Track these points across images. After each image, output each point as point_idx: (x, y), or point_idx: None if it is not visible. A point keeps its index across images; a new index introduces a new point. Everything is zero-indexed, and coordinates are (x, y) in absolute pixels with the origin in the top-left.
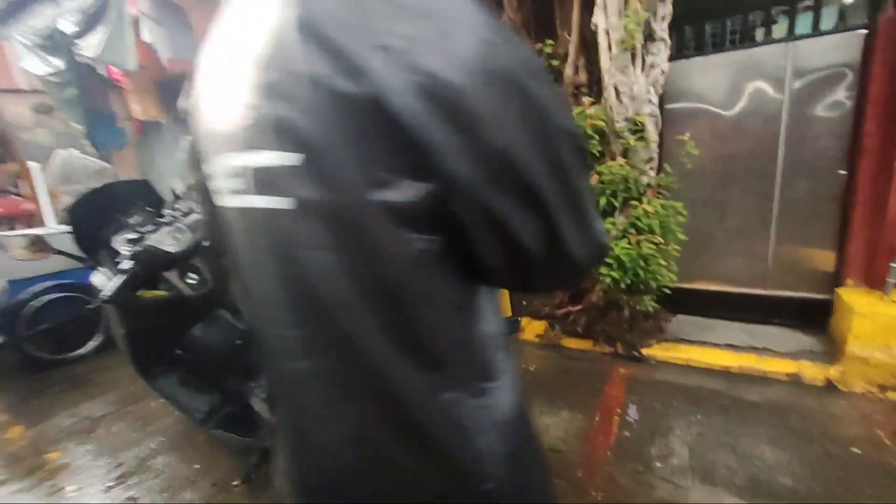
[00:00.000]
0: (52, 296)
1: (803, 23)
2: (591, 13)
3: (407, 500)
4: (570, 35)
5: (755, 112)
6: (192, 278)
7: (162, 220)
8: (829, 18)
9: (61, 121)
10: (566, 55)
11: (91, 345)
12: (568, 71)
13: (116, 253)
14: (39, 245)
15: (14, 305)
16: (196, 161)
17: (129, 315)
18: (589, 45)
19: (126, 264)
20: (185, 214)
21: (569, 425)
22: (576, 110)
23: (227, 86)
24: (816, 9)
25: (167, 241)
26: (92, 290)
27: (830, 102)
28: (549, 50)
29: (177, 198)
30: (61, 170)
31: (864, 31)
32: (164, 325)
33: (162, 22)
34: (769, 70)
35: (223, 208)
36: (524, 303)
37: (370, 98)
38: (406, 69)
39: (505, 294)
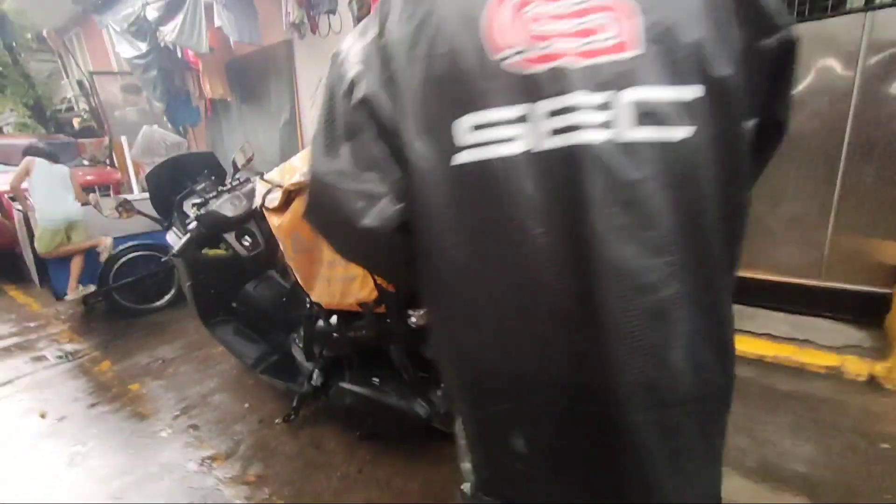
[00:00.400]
0: (136, 253)
1: None
2: None
3: (706, 393)
4: None
5: (822, 90)
6: (247, 241)
7: (224, 188)
8: None
9: (145, 99)
10: None
11: (166, 298)
12: None
13: (186, 216)
14: (126, 207)
15: (107, 260)
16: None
17: (194, 269)
18: None
19: (192, 225)
20: (243, 184)
21: None
22: None
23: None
24: None
25: (226, 206)
26: (167, 249)
27: None
28: None
29: (237, 169)
30: (144, 143)
31: None
32: (222, 280)
33: (231, 8)
34: (841, 44)
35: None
36: None
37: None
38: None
39: None
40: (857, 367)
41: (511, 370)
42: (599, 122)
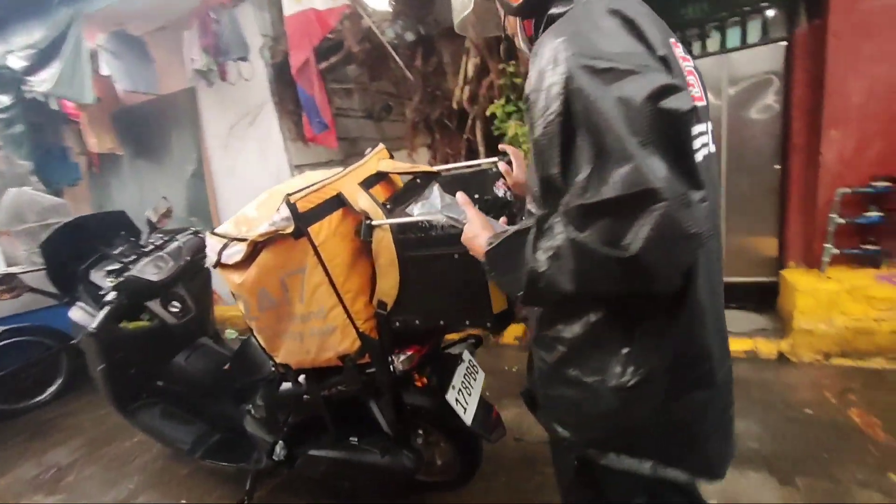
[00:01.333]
0: (8, 340)
1: (733, 36)
2: None
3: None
4: None
5: None
6: (175, 306)
7: (143, 250)
8: (754, 32)
9: (5, 158)
10: (528, 73)
11: (50, 390)
12: None
13: (97, 287)
14: (9, 283)
15: None
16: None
17: (109, 348)
18: None
19: (111, 296)
20: (166, 242)
21: None
22: None
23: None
24: (743, 24)
25: (150, 269)
26: (55, 331)
27: (762, 106)
28: (511, 70)
29: (153, 227)
30: (12, 208)
31: (785, 43)
32: (146, 356)
33: (121, 56)
34: (708, 79)
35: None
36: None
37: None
38: None
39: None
40: (767, 347)
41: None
42: (708, 140)
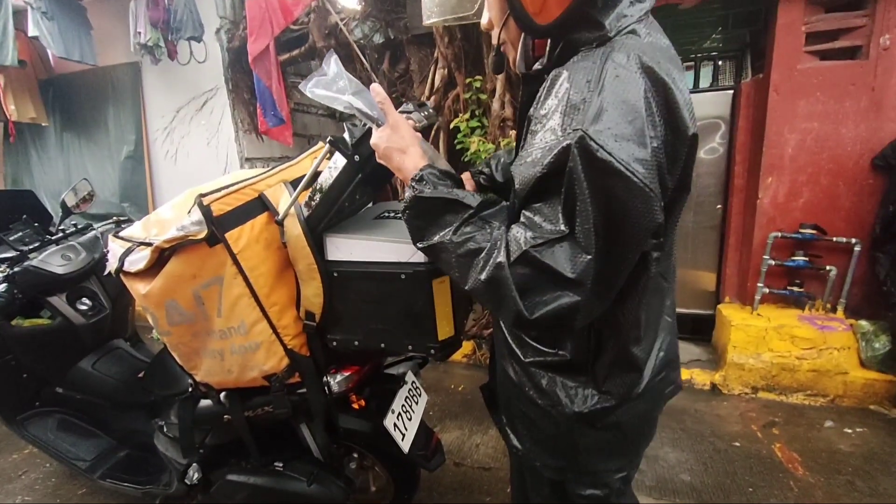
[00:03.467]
0: None
1: (686, 80)
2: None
3: None
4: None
5: None
6: (84, 304)
7: (49, 237)
8: (706, 78)
9: None
10: (493, 90)
11: None
12: (495, 105)
13: None
14: None
15: None
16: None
17: None
18: (514, 83)
19: (1, 287)
20: (80, 231)
21: (497, 443)
22: (503, 141)
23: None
24: (696, 70)
25: (54, 260)
26: None
27: (708, 148)
28: (477, 85)
29: (68, 212)
30: None
31: (731, 92)
32: (43, 360)
33: (56, 18)
34: None
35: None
36: (465, 321)
37: None
38: None
39: (448, 311)
40: (701, 377)
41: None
42: None
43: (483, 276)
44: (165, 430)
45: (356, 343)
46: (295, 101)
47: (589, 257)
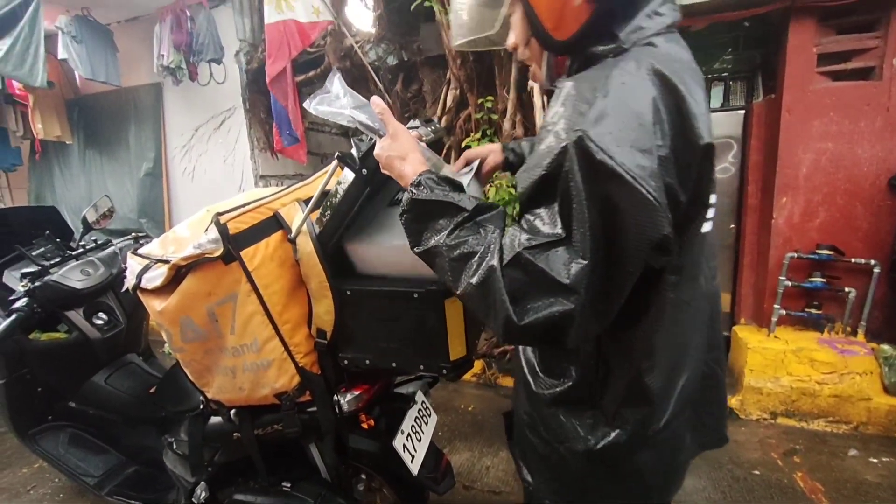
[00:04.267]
0: None
1: None
2: (527, 75)
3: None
4: (508, 93)
5: None
6: (101, 318)
7: (70, 252)
8: (717, 98)
9: None
10: (505, 110)
11: None
12: (506, 125)
13: (9, 289)
14: None
15: None
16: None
17: (14, 362)
18: (525, 103)
19: (22, 301)
20: (100, 246)
21: (508, 465)
22: None
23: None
24: (707, 90)
25: (74, 275)
26: None
27: (721, 167)
28: (489, 105)
29: (88, 227)
30: None
31: (743, 112)
32: (58, 373)
33: (82, 41)
34: None
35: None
36: (476, 341)
37: None
38: None
39: (460, 332)
40: None
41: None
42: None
43: (474, 280)
44: (175, 446)
45: (367, 362)
46: (310, 121)
47: (584, 263)
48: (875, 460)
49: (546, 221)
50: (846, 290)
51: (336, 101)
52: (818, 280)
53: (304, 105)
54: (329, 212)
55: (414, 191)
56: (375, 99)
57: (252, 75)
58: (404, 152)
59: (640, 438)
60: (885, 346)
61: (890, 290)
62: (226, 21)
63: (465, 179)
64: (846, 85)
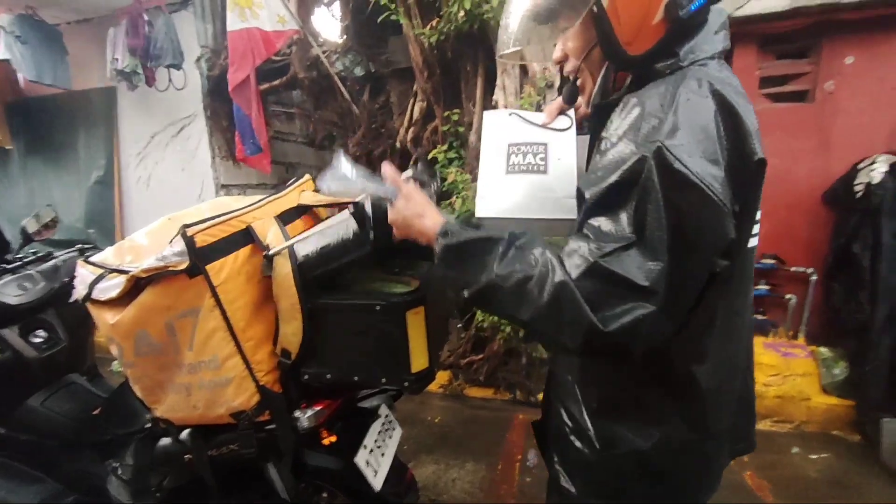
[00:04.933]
0: None
1: None
2: (492, 90)
3: None
4: (474, 107)
5: None
6: (39, 336)
7: (6, 265)
8: None
9: None
10: (471, 123)
11: None
12: (472, 137)
13: None
14: None
15: None
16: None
17: None
18: None
19: None
20: (41, 259)
21: (474, 477)
22: None
23: None
24: None
25: (10, 290)
26: None
27: None
28: (455, 118)
29: (28, 239)
30: None
31: None
32: None
33: (27, 41)
34: None
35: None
36: (440, 353)
37: None
38: None
39: (422, 344)
40: None
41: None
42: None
43: (544, 300)
44: (120, 472)
45: (328, 376)
46: (275, 130)
47: (661, 265)
48: (815, 456)
49: (614, 226)
50: (787, 296)
51: (344, 177)
52: (763, 287)
53: (317, 185)
54: (319, 247)
55: (443, 240)
56: (385, 165)
57: (213, 82)
58: (421, 210)
59: (687, 441)
60: (823, 349)
61: (825, 296)
62: (186, 26)
63: (564, 122)
64: (785, 106)
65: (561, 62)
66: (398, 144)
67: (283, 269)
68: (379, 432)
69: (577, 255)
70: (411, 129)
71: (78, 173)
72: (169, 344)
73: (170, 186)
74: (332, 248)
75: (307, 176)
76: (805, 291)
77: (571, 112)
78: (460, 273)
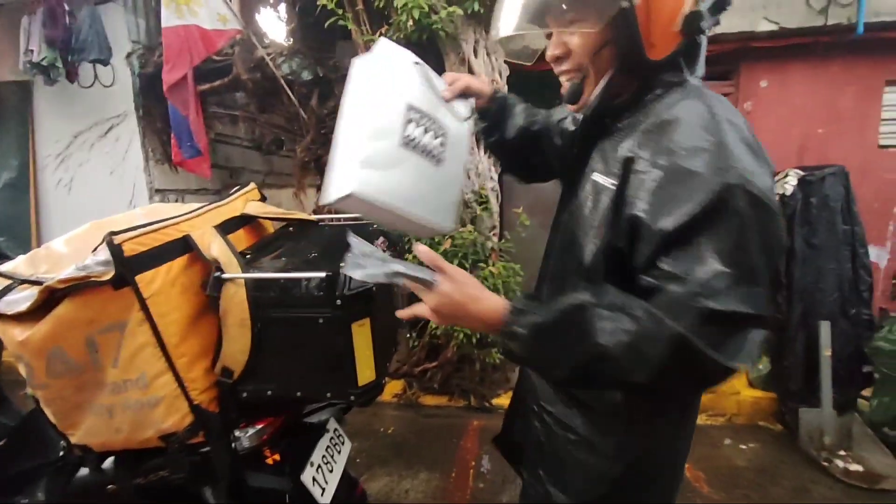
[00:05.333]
0: None
1: None
2: None
3: None
4: None
5: None
6: None
7: None
8: None
9: None
10: None
11: None
12: None
13: None
14: None
15: None
16: None
17: None
18: None
19: None
20: None
21: (427, 486)
22: None
23: None
24: None
25: None
26: None
27: None
28: None
29: None
30: None
31: None
32: None
33: None
34: None
35: None
36: (387, 364)
37: None
38: None
39: (369, 356)
40: None
41: None
42: None
43: (664, 357)
44: None
45: (269, 393)
46: (216, 132)
47: (760, 289)
48: (744, 447)
49: (703, 261)
50: None
51: (368, 260)
52: None
53: (344, 272)
54: (278, 296)
55: (521, 329)
56: (420, 247)
57: (147, 80)
58: (476, 293)
59: (675, 436)
60: None
61: None
62: (115, 19)
63: (465, 110)
64: None
65: (559, 58)
66: None
67: (237, 295)
68: (327, 448)
69: (676, 304)
70: None
71: None
72: (88, 362)
73: (96, 190)
74: (292, 298)
75: (252, 184)
76: None
77: (472, 100)
78: (557, 352)
